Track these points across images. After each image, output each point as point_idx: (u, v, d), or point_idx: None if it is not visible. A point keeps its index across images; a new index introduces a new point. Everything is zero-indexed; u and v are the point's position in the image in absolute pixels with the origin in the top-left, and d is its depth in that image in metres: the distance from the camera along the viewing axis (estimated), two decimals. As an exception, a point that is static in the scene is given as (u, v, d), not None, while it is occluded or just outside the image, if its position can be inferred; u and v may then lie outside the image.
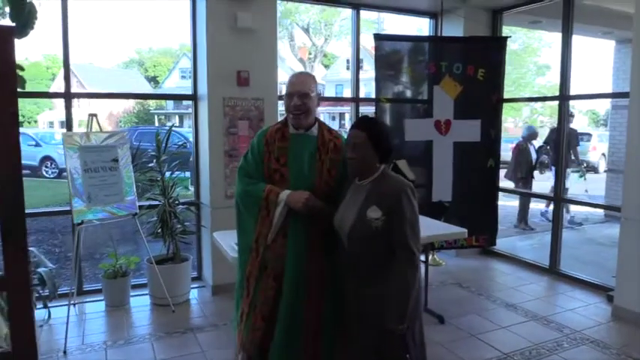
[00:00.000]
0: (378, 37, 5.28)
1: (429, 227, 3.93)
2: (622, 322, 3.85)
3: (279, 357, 2.23)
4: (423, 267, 4.19)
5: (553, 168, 7.13)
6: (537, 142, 7.98)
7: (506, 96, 5.51)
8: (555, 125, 5.69)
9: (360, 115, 5.55)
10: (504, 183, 5.66)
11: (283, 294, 2.21)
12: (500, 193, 5.71)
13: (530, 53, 25.83)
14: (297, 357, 2.23)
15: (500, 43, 5.44)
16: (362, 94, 5.59)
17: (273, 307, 2.22)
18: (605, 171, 15.44)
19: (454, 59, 5.30)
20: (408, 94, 5.44)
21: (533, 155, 7.47)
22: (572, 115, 7.10)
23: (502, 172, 5.77)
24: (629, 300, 3.90)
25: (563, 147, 4.98)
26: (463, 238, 4.91)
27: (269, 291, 2.22)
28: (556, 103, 5.24)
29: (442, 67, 5.26)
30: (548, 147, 7.54)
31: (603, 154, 15.60)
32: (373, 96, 5.26)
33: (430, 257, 5.07)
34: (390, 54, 5.29)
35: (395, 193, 2.00)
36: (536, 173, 7.54)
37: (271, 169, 2.26)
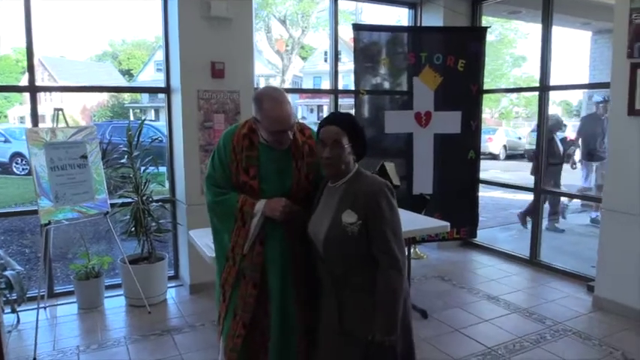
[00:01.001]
0: (357, 27, 5.18)
1: (411, 221, 3.87)
2: (602, 313, 3.86)
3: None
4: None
5: (584, 162, 7.02)
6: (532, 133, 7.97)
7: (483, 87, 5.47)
8: (587, 112, 5.61)
9: (338, 107, 5.49)
10: (485, 174, 5.62)
11: (271, 300, 2.12)
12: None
13: (507, 45, 26.05)
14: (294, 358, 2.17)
15: (480, 33, 5.39)
16: (340, 87, 5.47)
17: (254, 314, 2.12)
18: (579, 161, 15.79)
19: (434, 50, 5.23)
20: (387, 86, 5.36)
21: (560, 148, 6.76)
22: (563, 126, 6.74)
23: (488, 163, 5.74)
24: (609, 290, 3.90)
25: (543, 137, 4.96)
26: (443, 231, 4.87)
27: (249, 298, 2.12)
28: (532, 94, 5.23)
29: (422, 58, 5.19)
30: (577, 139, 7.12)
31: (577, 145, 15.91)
32: (351, 88, 5.17)
33: (412, 250, 5.03)
34: (368, 45, 5.20)
35: (371, 194, 1.83)
36: (567, 168, 7.02)
37: (240, 182, 2.11)
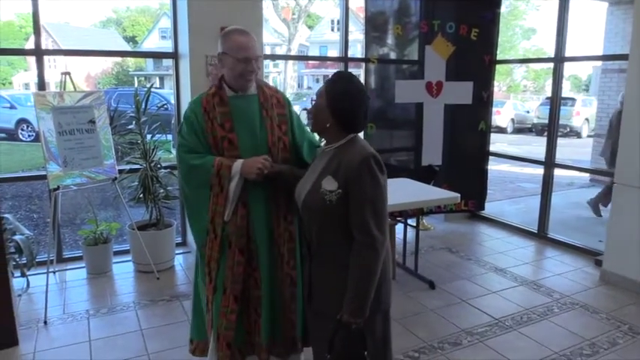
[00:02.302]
0: (369, -6, 5.04)
1: (420, 192, 3.85)
2: (610, 287, 3.85)
3: (269, 331, 2.13)
4: (413, 232, 4.16)
5: None
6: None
7: (492, 59, 5.36)
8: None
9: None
10: (492, 147, 5.56)
11: (260, 266, 2.09)
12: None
13: (517, 16, 25.55)
14: (281, 328, 2.16)
15: (495, 1, 5.25)
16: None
17: (245, 285, 2.09)
18: (589, 136, 15.65)
19: (447, 18, 5.11)
20: (393, 56, 5.25)
21: None
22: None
23: (495, 136, 5.67)
24: (617, 265, 3.88)
25: (556, 110, 4.87)
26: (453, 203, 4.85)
27: (237, 267, 2.06)
28: (541, 67, 5.12)
29: (435, 27, 5.07)
30: None
31: (587, 119, 15.74)
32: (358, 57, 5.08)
33: (419, 221, 5.02)
34: (377, 14, 5.08)
35: (354, 163, 1.67)
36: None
37: (218, 137, 2.06)
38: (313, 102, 1.83)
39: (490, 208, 5.70)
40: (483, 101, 5.28)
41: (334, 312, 1.70)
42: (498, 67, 5.45)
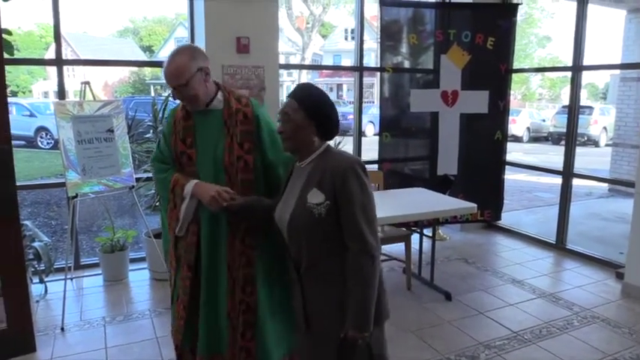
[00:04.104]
0: (384, 3, 5.04)
1: (436, 202, 3.82)
2: (632, 300, 3.77)
3: (205, 349, 2.09)
4: (429, 242, 4.13)
5: None
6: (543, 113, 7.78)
7: (508, 67, 5.32)
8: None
9: (363, 85, 5.40)
10: (507, 156, 5.51)
11: (201, 283, 2.07)
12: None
13: (531, 24, 25.40)
14: (222, 348, 2.08)
15: (512, 10, 5.23)
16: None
17: (191, 296, 2.08)
18: (607, 145, 15.45)
19: (463, 27, 5.09)
20: (407, 65, 5.24)
21: None
22: None
23: (511, 145, 5.63)
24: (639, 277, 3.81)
25: (574, 119, 4.81)
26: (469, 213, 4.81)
27: (186, 280, 2.07)
28: (557, 76, 5.07)
29: (450, 35, 5.05)
30: None
31: (605, 128, 15.55)
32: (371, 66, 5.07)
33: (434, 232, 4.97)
34: (390, 23, 5.08)
35: (339, 171, 1.62)
36: None
37: (178, 152, 2.05)
38: (280, 121, 1.70)
39: (507, 219, 5.64)
40: (499, 110, 5.23)
41: (336, 331, 1.63)
42: (513, 75, 5.40)
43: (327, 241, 1.65)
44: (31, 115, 13.86)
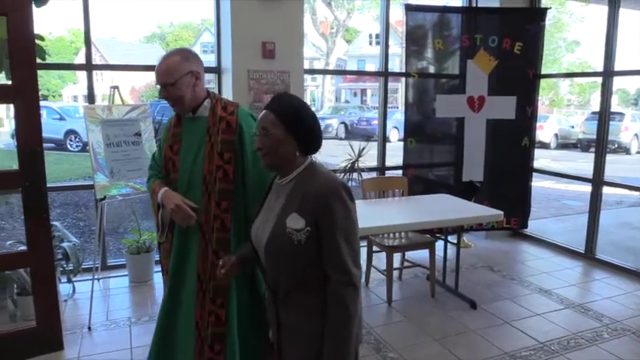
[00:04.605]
0: (409, 8, 5.02)
1: (462, 208, 3.78)
2: (665, 312, 3.66)
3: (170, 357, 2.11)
4: (454, 250, 4.07)
5: None
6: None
7: (535, 73, 5.23)
8: None
9: (387, 91, 5.38)
10: (534, 163, 5.41)
11: (170, 291, 2.09)
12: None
13: (560, 28, 24.95)
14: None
15: (540, 14, 5.15)
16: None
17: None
18: (638, 152, 15.05)
19: (490, 32, 5.04)
20: (432, 70, 5.20)
21: None
22: None
23: (538, 152, 5.52)
24: (673, 289, 3.69)
25: (605, 126, 4.70)
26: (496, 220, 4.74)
27: (164, 286, 2.16)
28: (586, 81, 4.96)
29: (477, 40, 5.00)
30: None
31: (636, 135, 15.16)
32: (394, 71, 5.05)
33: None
34: (415, 28, 5.05)
35: (322, 195, 1.48)
36: None
37: (166, 157, 2.09)
38: (258, 136, 1.56)
39: (533, 227, 5.53)
40: (527, 116, 5.15)
41: None
42: (541, 80, 5.31)
43: (306, 269, 1.52)
44: (61, 119, 14.18)
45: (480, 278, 4.30)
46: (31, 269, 3.03)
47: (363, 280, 4.04)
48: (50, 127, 13.32)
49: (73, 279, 3.79)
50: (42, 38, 3.27)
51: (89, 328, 3.35)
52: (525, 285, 4.17)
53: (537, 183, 7.44)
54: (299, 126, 1.53)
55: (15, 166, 2.89)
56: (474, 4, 5.43)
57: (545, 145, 16.11)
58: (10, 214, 6.73)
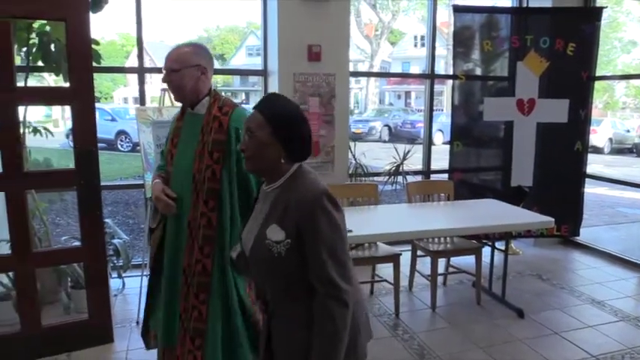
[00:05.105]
0: (457, 9, 4.94)
1: (510, 214, 3.67)
2: None
3: (164, 341, 2.17)
4: (501, 256, 3.95)
5: None
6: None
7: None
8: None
9: (434, 94, 5.31)
10: (591, 168, 5.20)
11: (162, 279, 2.15)
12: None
13: (615, 28, 23.91)
14: (174, 342, 2.13)
15: (595, 14, 4.95)
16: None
17: (153, 286, 2.23)
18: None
19: (541, 32, 4.88)
20: (478, 72, 5.08)
21: None
22: None
23: (591, 157, 5.31)
24: None
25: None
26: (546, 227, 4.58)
27: (150, 272, 2.24)
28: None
29: (527, 42, 4.86)
30: None
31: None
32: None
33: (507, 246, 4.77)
34: (462, 30, 4.95)
35: (304, 205, 1.40)
36: None
37: (167, 150, 2.17)
38: (243, 137, 1.50)
39: (585, 234, 5.31)
40: (580, 120, 4.96)
41: None
42: (595, 83, 5.10)
43: (291, 282, 1.46)
44: (112, 120, 14.73)
45: (528, 286, 4.16)
46: (85, 264, 3.15)
47: (406, 284, 4.01)
48: (102, 128, 13.78)
49: (123, 275, 3.92)
50: (97, 42, 3.39)
51: (137, 322, 3.44)
52: (576, 295, 4.01)
53: (590, 189, 7.14)
54: (287, 131, 1.43)
55: (70, 165, 3.02)
56: (524, 4, 5.28)
57: (598, 150, 15.47)
58: (64, 210, 7.05)
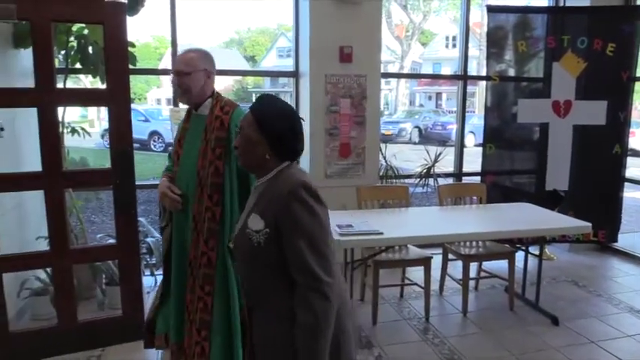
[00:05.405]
0: (491, 9, 4.85)
1: (545, 219, 3.58)
2: None
3: (174, 336, 2.24)
4: (535, 261, 3.86)
5: None
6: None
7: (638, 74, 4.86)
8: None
9: (466, 95, 5.22)
10: (630, 171, 5.03)
11: (171, 274, 2.23)
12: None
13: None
14: (183, 337, 2.19)
15: (635, 12, 4.80)
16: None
17: (165, 284, 2.30)
18: None
19: (578, 32, 4.75)
20: (511, 73, 4.97)
21: None
22: None
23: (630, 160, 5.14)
24: None
25: None
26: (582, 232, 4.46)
27: (163, 271, 2.33)
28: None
29: (564, 42, 4.74)
30: None
31: None
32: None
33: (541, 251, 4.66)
34: (495, 30, 4.86)
35: (281, 197, 1.43)
36: None
37: (174, 151, 2.29)
38: (238, 135, 1.57)
39: (624, 241, 5.14)
40: (619, 122, 4.80)
41: None
42: (636, 84, 4.93)
43: (272, 274, 1.47)
44: (146, 120, 15.03)
45: (563, 293, 4.05)
46: (119, 261, 3.22)
47: (436, 287, 3.95)
48: (136, 129, 14.05)
49: (156, 272, 3.99)
50: (133, 45, 3.47)
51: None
52: (614, 303, 3.88)
53: (629, 194, 6.91)
54: (269, 129, 1.49)
55: (105, 164, 3.09)
56: (561, 4, 5.15)
57: (638, 154, 14.95)
58: (100, 208, 7.23)
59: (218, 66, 2.31)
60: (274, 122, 1.49)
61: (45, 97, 2.84)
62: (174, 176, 2.25)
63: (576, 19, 4.84)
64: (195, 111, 2.23)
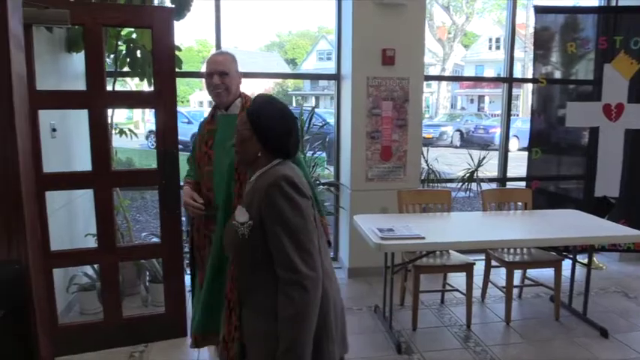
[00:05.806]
0: (538, 10, 4.71)
1: (594, 226, 3.44)
2: None
3: (201, 328, 2.23)
4: (583, 271, 3.71)
5: None
6: None
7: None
8: None
9: (512, 97, 5.09)
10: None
11: (206, 268, 2.24)
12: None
13: None
14: (217, 327, 2.13)
15: (695, 11, 4.56)
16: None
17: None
18: None
19: (632, 32, 4.56)
20: (557, 75, 4.80)
21: None
22: None
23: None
24: None
25: None
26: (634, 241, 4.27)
27: (199, 270, 2.41)
28: None
29: (616, 42, 4.56)
30: None
31: None
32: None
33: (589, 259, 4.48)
34: (542, 31, 4.71)
35: (264, 189, 1.47)
36: None
37: (202, 152, 2.32)
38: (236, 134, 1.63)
39: (679, 251, 4.88)
40: (676, 127, 4.58)
41: None
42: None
43: (257, 267, 1.50)
44: (189, 122, 15.35)
45: (613, 304, 3.89)
46: (163, 260, 3.30)
47: (478, 294, 3.87)
48: (179, 130, 14.45)
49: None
50: (179, 49, 3.55)
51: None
52: (668, 317, 3.69)
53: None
54: (260, 127, 1.55)
55: (150, 164, 3.17)
56: (612, 3, 4.95)
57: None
58: (144, 208, 7.43)
59: (258, 69, 2.37)
60: (265, 121, 1.55)
61: (96, 100, 2.95)
62: (201, 180, 2.34)
63: (629, 19, 4.64)
64: (225, 111, 2.31)
